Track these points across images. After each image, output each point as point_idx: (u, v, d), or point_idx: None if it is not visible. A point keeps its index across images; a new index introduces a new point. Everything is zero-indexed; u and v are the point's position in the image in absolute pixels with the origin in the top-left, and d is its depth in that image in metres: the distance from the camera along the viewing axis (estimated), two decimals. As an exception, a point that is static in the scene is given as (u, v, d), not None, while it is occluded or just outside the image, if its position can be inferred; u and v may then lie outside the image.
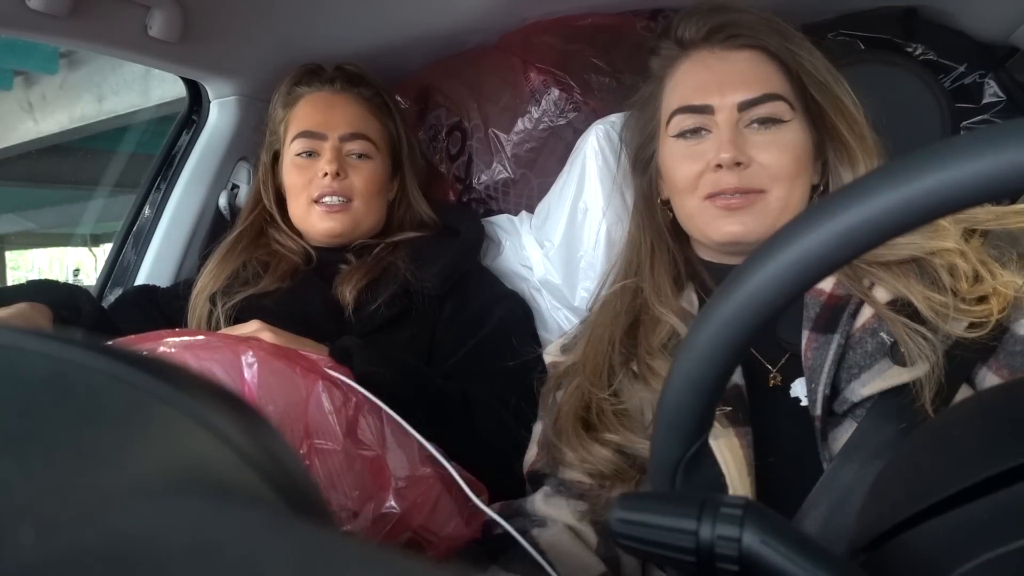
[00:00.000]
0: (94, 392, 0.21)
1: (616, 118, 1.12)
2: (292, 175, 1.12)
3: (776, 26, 0.82)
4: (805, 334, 0.72)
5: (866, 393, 0.66)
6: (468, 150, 1.29)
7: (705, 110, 0.80)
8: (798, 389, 0.73)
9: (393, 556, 0.18)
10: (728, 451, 0.68)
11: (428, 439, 0.76)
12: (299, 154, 1.11)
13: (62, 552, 0.15)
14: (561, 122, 1.19)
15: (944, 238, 0.69)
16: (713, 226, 0.79)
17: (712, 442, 0.68)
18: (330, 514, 0.59)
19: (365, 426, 0.68)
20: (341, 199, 1.08)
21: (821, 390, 0.68)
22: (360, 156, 1.10)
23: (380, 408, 0.70)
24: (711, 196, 0.78)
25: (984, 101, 1.10)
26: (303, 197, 1.10)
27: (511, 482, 0.91)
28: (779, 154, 0.78)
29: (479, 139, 1.27)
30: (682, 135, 0.82)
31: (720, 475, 0.68)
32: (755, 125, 0.79)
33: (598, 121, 1.13)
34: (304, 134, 1.10)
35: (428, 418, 0.81)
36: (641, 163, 0.92)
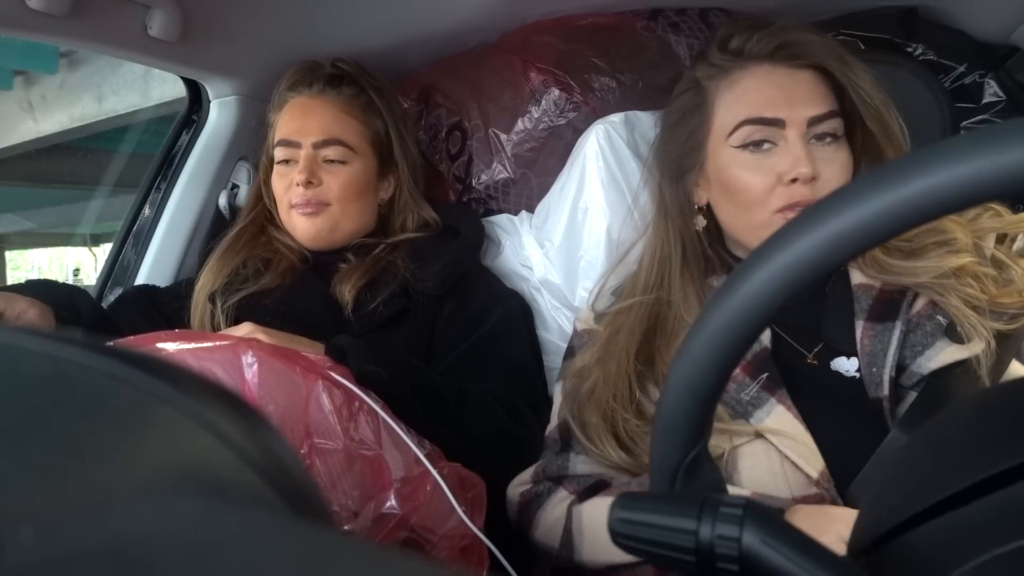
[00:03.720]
0: (94, 392, 0.21)
1: (616, 118, 1.12)
2: (275, 182, 1.13)
3: (836, 50, 0.85)
4: (860, 324, 0.79)
5: (933, 367, 0.74)
6: (468, 150, 1.29)
7: (776, 123, 0.82)
8: (839, 364, 0.79)
9: (393, 556, 0.18)
10: (774, 419, 0.75)
11: (425, 435, 0.76)
12: (279, 161, 1.12)
13: (62, 552, 0.15)
14: (561, 122, 1.19)
15: (958, 254, 0.76)
16: None
17: (759, 425, 0.76)
18: (330, 514, 0.59)
19: (364, 425, 0.69)
20: (317, 204, 1.08)
21: (887, 372, 0.75)
22: (334, 162, 1.10)
23: (377, 407, 0.70)
24: (783, 210, 0.81)
25: (984, 101, 1.10)
26: (284, 203, 1.11)
27: (511, 477, 0.91)
28: (841, 170, 0.82)
29: (479, 139, 1.27)
30: (746, 146, 0.84)
31: (720, 480, 0.70)
32: (814, 140, 0.82)
33: (598, 121, 1.13)
34: (281, 142, 1.11)
35: (425, 414, 0.81)
36: (679, 171, 0.92)
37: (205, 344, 0.68)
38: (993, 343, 0.73)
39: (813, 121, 0.81)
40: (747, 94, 0.84)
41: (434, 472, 0.69)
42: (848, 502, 0.71)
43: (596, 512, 0.80)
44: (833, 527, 0.65)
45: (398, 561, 0.17)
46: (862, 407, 0.76)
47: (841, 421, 0.76)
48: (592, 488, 0.82)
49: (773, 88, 0.83)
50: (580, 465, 0.86)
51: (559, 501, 0.84)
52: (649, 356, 0.86)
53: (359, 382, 0.74)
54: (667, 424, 0.35)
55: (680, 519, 0.31)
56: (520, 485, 0.89)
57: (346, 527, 0.64)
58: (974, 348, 0.73)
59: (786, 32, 0.85)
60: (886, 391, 0.74)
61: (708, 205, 0.91)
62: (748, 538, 0.30)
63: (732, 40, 0.87)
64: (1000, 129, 0.26)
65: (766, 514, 0.31)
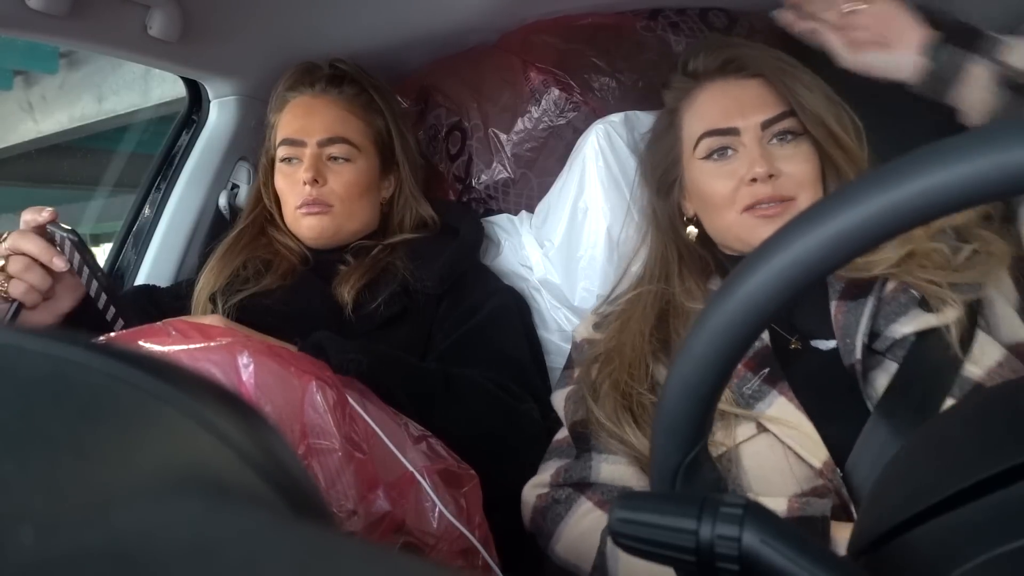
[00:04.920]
0: (94, 392, 0.21)
1: (616, 118, 1.12)
2: (279, 181, 1.13)
3: (777, 60, 0.91)
4: (833, 304, 0.82)
5: (906, 331, 0.76)
6: (468, 150, 1.29)
7: (731, 132, 0.89)
8: (819, 343, 0.83)
9: (393, 556, 0.18)
10: (776, 409, 0.76)
11: (419, 422, 0.76)
12: (283, 160, 1.12)
13: (62, 552, 0.15)
14: (561, 122, 1.19)
15: (910, 240, 0.80)
16: (753, 234, 0.87)
17: (761, 413, 0.77)
18: (330, 514, 0.59)
19: (356, 425, 0.69)
20: (321, 205, 1.08)
21: (859, 338, 0.78)
22: (339, 160, 1.10)
23: (365, 406, 0.70)
24: (748, 208, 0.87)
25: (984, 101, 1.10)
26: (289, 203, 1.11)
27: (518, 456, 0.91)
28: (802, 163, 0.87)
29: (479, 139, 1.27)
30: (710, 156, 0.90)
31: (720, 479, 0.70)
32: (775, 140, 0.88)
33: (598, 121, 1.13)
34: (285, 141, 1.11)
35: (413, 400, 0.81)
36: (664, 188, 0.99)
37: (200, 344, 0.68)
38: (964, 313, 0.76)
39: (766, 124, 0.88)
40: (703, 109, 0.92)
41: (412, 469, 0.69)
42: (851, 490, 0.72)
43: None
44: None
45: (398, 561, 0.17)
46: (846, 385, 0.78)
47: (834, 406, 0.78)
48: None
49: (725, 99, 0.90)
50: (604, 466, 0.84)
51: (583, 514, 0.82)
52: (664, 337, 0.89)
53: (341, 372, 0.74)
54: (667, 424, 0.35)
55: (680, 519, 0.31)
56: (538, 487, 0.87)
57: (345, 527, 0.64)
58: (947, 317, 0.76)
59: (731, 48, 0.94)
60: (858, 355, 0.77)
61: (696, 215, 0.97)
62: (748, 538, 0.30)
63: (689, 63, 0.95)
64: (1000, 129, 0.26)
65: (766, 514, 0.31)
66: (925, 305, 0.78)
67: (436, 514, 0.69)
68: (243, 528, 0.17)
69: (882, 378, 0.76)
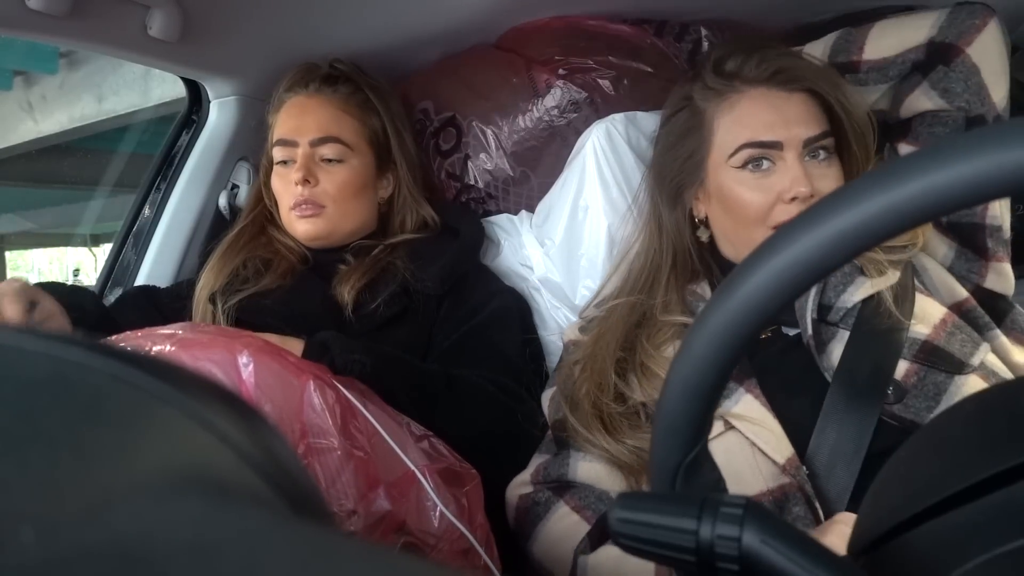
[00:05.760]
0: (94, 392, 0.21)
1: (617, 118, 1.12)
2: (275, 183, 1.13)
3: (828, 74, 0.91)
4: None
5: (858, 298, 0.81)
6: (464, 147, 1.29)
7: (774, 146, 0.86)
8: (788, 329, 0.86)
9: (393, 556, 0.18)
10: (741, 407, 0.77)
11: (420, 423, 0.77)
12: (278, 162, 1.12)
13: (62, 552, 0.15)
14: (562, 123, 1.19)
15: None
16: None
17: (727, 411, 0.78)
18: (330, 514, 0.59)
19: (356, 425, 0.69)
20: (314, 205, 1.08)
21: (808, 313, 0.82)
22: (332, 161, 1.10)
23: (366, 404, 0.70)
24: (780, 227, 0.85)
25: (984, 101, 1.10)
26: (284, 204, 1.11)
27: (518, 456, 0.92)
28: (834, 183, 0.88)
29: (476, 136, 1.27)
30: (745, 166, 0.88)
31: (720, 479, 0.71)
32: (808, 157, 0.87)
33: (598, 121, 1.13)
34: (279, 142, 1.11)
35: (415, 401, 0.81)
36: (677, 188, 0.96)
37: (201, 344, 0.68)
38: (902, 275, 0.82)
39: (808, 141, 0.86)
40: (746, 117, 0.88)
41: (413, 468, 0.69)
42: (815, 480, 0.72)
43: (604, 565, 0.79)
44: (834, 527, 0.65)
45: (398, 561, 0.17)
46: (807, 364, 0.80)
47: (798, 387, 0.79)
48: (599, 530, 0.81)
49: (770, 112, 0.87)
50: (581, 464, 0.85)
51: (559, 518, 0.84)
52: (631, 345, 0.89)
53: (344, 373, 0.74)
54: (667, 424, 0.35)
55: (680, 519, 0.31)
56: (520, 486, 0.89)
57: (345, 527, 0.64)
58: (888, 280, 0.81)
59: (782, 58, 0.90)
60: (810, 331, 0.81)
61: (706, 218, 0.95)
62: (748, 538, 0.30)
63: (727, 63, 0.91)
64: (1000, 128, 0.26)
65: (766, 514, 0.31)
66: (863, 271, 0.83)
67: (437, 514, 0.69)
68: (243, 528, 0.17)
69: (837, 349, 0.79)
